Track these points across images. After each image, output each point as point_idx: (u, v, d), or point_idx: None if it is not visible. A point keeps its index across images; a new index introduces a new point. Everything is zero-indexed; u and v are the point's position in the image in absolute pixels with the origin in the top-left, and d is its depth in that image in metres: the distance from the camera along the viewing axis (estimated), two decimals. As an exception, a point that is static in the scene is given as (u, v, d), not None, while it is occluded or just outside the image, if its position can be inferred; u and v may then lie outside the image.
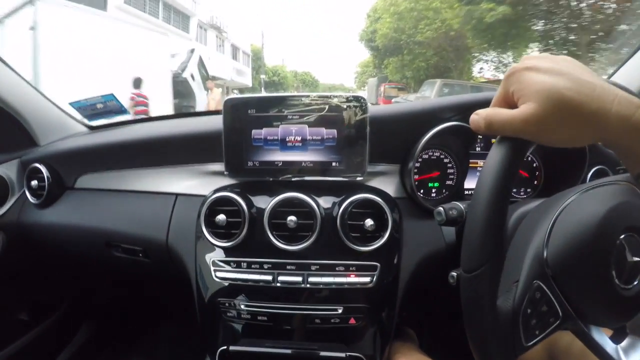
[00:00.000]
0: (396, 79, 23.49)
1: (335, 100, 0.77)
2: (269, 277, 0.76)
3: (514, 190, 0.93)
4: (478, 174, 0.92)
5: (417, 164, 0.88)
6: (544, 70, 0.39)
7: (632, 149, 0.38)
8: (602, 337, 0.44)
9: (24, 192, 1.08)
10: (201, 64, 10.63)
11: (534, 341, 0.43)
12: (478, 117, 0.45)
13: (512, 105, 0.43)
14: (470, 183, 0.90)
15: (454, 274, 0.55)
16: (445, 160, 0.91)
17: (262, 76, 29.78)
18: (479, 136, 0.90)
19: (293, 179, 0.80)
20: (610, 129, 0.37)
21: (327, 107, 0.77)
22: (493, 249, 0.44)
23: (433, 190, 0.91)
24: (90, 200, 1.01)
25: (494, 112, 0.43)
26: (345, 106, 0.77)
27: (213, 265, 0.79)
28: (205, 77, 10.66)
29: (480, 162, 0.93)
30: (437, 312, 1.13)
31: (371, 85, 23.10)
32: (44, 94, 1.18)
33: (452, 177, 0.91)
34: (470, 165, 0.89)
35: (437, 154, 0.90)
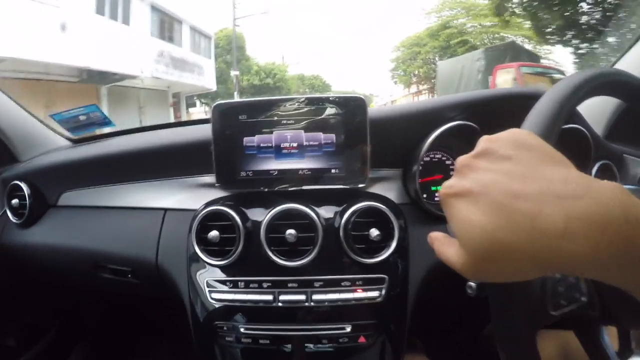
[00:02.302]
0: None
1: (332, 102, 0.67)
2: (270, 297, 0.66)
3: None
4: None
5: (421, 167, 0.78)
6: (475, 197, 0.29)
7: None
8: (608, 347, 0.42)
9: (5, 211, 0.95)
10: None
11: (559, 312, 0.39)
12: (430, 239, 0.38)
13: None
14: None
15: (473, 284, 0.49)
16: (447, 162, 0.81)
17: (235, 73, 18.34)
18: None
19: (290, 189, 0.70)
20: (574, 267, 0.25)
21: (324, 109, 0.67)
22: None
23: (436, 194, 0.81)
24: (74, 219, 0.89)
25: (442, 243, 0.35)
26: (343, 108, 0.67)
27: (207, 286, 0.68)
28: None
29: None
30: (446, 319, 1.03)
31: (452, 70, 12.06)
32: (24, 107, 1.06)
33: None
34: None
35: (438, 155, 0.80)
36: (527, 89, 0.75)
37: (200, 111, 20.57)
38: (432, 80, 20.30)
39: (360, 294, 0.66)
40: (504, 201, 0.27)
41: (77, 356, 1.19)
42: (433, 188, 0.81)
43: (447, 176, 0.81)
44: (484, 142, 0.33)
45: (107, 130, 1.09)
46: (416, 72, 23.29)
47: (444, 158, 0.81)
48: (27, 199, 0.91)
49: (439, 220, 0.75)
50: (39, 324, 1.13)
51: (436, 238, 0.37)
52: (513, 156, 0.30)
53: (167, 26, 13.54)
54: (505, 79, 8.56)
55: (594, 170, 0.80)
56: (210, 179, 0.76)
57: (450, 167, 0.81)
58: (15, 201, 0.93)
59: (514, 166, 0.29)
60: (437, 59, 20.77)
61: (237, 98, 11.33)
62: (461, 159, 0.34)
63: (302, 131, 0.67)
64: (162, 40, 13.15)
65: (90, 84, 10.37)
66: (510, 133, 0.32)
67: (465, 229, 0.29)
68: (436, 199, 0.81)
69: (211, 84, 16.99)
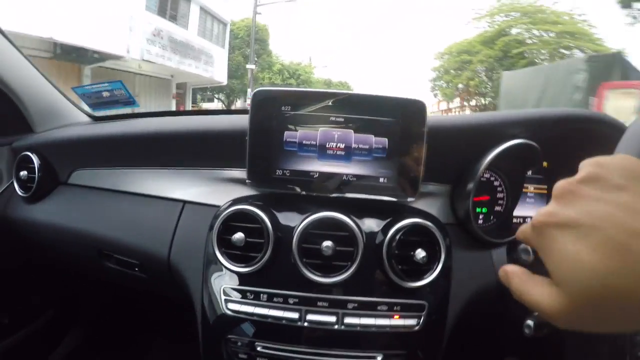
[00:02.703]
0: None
1: (389, 103, 0.59)
2: (295, 315, 0.57)
3: None
4: (528, 200, 0.75)
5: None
6: (584, 231, 0.25)
7: None
8: None
9: (13, 182, 0.89)
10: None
11: None
12: (505, 274, 0.32)
13: None
14: (519, 210, 0.73)
15: (531, 323, 0.44)
16: (496, 183, 0.73)
17: (250, 66, 15.50)
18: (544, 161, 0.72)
19: (331, 195, 0.61)
20: None
21: (378, 110, 0.59)
22: None
23: (480, 216, 0.72)
24: (84, 200, 0.82)
25: (525, 281, 0.30)
26: (401, 111, 0.59)
27: (224, 294, 0.60)
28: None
29: (531, 187, 0.75)
30: (484, 353, 0.94)
31: (526, 82, 9.22)
32: (47, 77, 0.99)
33: (501, 202, 0.73)
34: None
35: (487, 175, 0.72)
36: (604, 115, 0.67)
37: (214, 108, 18.50)
38: (485, 98, 17.59)
39: (397, 320, 0.58)
40: (622, 239, 0.23)
41: (69, 342, 1.11)
42: (478, 209, 0.73)
43: (494, 198, 0.73)
44: (592, 166, 0.28)
45: (130, 110, 1.02)
46: (463, 84, 18.28)
47: (492, 178, 0.73)
48: (36, 172, 0.85)
49: (484, 244, 0.67)
50: (35, 304, 1.06)
51: (515, 274, 0.31)
52: (629, 187, 0.25)
53: (169, 1, 10.71)
54: (621, 106, 5.58)
55: None
56: (240, 173, 0.68)
57: (498, 188, 0.73)
58: (24, 173, 0.86)
59: (631, 198, 0.24)
60: (489, 71, 17.19)
61: (250, 95, 10.22)
62: (562, 184, 0.28)
63: (352, 131, 0.59)
64: (161, 17, 10.31)
65: (73, 63, 8.78)
66: (623, 159, 0.27)
67: (568, 268, 0.25)
68: (480, 221, 0.73)
69: (221, 77, 14.10)
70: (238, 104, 21.42)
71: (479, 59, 17.05)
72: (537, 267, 0.32)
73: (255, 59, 19.23)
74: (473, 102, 18.32)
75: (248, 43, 18.43)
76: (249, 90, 14.59)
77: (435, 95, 21.06)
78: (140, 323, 1.23)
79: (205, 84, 14.86)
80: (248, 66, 15.77)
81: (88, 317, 1.15)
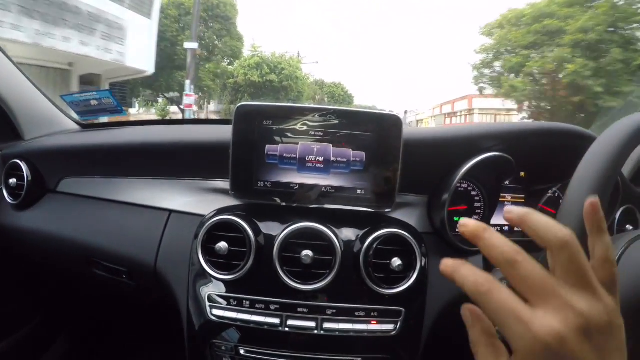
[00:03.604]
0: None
1: (366, 118, 0.61)
2: (276, 320, 0.59)
3: None
4: (505, 208, 0.77)
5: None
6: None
7: None
8: None
9: (2, 189, 0.88)
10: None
11: None
12: (467, 318, 0.28)
13: None
14: (497, 219, 0.75)
15: None
16: (473, 193, 0.75)
17: (192, 45, 9.82)
18: (519, 172, 0.74)
19: (310, 206, 0.63)
20: None
21: (356, 124, 0.61)
22: None
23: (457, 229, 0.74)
24: (72, 208, 0.82)
25: (484, 345, 0.26)
26: (377, 125, 0.61)
27: (209, 301, 0.62)
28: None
29: (508, 197, 0.78)
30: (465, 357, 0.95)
31: None
32: (36, 84, 0.99)
33: (479, 211, 0.75)
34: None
35: (464, 185, 0.74)
36: (571, 128, 0.69)
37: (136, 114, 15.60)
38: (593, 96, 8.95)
39: (374, 326, 0.60)
40: None
41: (58, 348, 1.11)
42: (456, 219, 0.75)
43: (472, 207, 0.75)
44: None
45: (119, 118, 1.02)
46: (545, 70, 10.45)
47: (470, 188, 0.75)
48: (25, 179, 0.84)
49: (461, 253, 0.69)
50: (23, 311, 1.06)
51: (478, 333, 0.27)
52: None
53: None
54: None
55: (617, 215, 0.74)
56: (224, 184, 0.69)
57: (476, 197, 0.75)
58: (12, 181, 0.86)
59: None
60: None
61: (189, 88, 9.03)
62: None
63: (331, 145, 0.61)
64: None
65: None
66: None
67: None
68: (457, 230, 0.75)
69: (143, 64, 8.56)
70: (211, 107, 18.75)
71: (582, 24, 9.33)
72: None
73: (216, 41, 15.30)
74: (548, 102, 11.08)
75: (206, 20, 14.38)
76: (187, 82, 9.42)
77: (482, 90, 13.90)
78: (128, 329, 1.23)
79: (126, 75, 9.01)
80: (187, 45, 10.28)
81: (76, 325, 1.15)
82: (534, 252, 0.59)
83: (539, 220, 0.26)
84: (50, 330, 1.10)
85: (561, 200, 0.80)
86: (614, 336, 0.23)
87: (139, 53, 8.32)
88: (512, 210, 0.27)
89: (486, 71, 13.05)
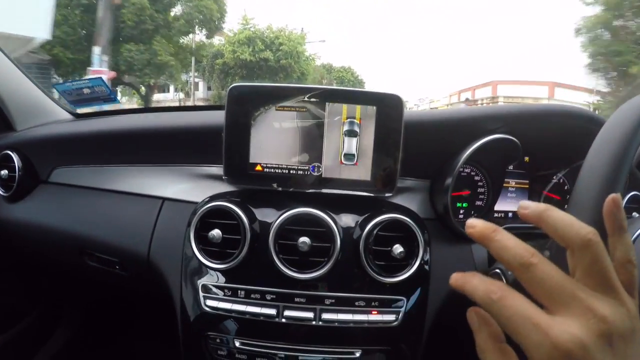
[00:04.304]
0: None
1: (365, 97, 0.58)
2: (273, 311, 0.56)
3: None
4: (510, 194, 0.74)
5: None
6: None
7: None
8: None
9: None
10: None
11: None
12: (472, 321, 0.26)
13: None
14: (500, 205, 0.72)
15: None
16: (477, 178, 0.72)
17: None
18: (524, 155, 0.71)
19: (307, 191, 0.60)
20: None
21: (355, 105, 0.57)
22: None
23: (461, 211, 0.71)
24: (64, 198, 0.80)
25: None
26: (377, 106, 0.57)
27: (203, 291, 0.59)
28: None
29: (512, 182, 0.74)
30: (464, 349, 0.93)
31: None
32: (27, 74, 0.96)
33: (482, 197, 0.72)
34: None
35: (467, 170, 0.71)
36: (580, 109, 0.66)
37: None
38: None
39: (375, 316, 0.57)
40: None
41: (56, 342, 1.09)
42: (458, 204, 0.72)
43: (475, 193, 0.72)
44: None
45: (111, 107, 0.99)
46: None
47: (473, 173, 0.72)
48: (17, 171, 0.82)
49: (465, 239, 0.66)
50: (20, 305, 1.03)
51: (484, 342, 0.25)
52: None
53: None
54: None
55: (624, 202, 0.71)
56: (218, 170, 0.66)
57: (479, 182, 0.72)
58: (4, 172, 0.83)
59: None
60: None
61: (98, 61, 6.11)
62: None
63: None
64: None
65: None
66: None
67: None
68: (461, 216, 0.72)
69: (32, 28, 6.23)
70: (199, 94, 15.86)
71: None
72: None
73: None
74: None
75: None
76: (95, 50, 6.57)
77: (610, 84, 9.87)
78: (124, 321, 1.21)
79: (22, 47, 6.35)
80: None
81: (73, 317, 1.13)
82: (541, 241, 0.57)
83: (559, 217, 0.24)
84: (48, 322, 1.08)
85: (566, 187, 0.78)
86: (636, 342, 0.21)
87: (24, 10, 5.84)
88: (528, 206, 0.25)
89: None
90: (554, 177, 0.75)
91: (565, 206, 0.75)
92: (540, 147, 0.69)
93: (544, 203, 0.25)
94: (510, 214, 0.75)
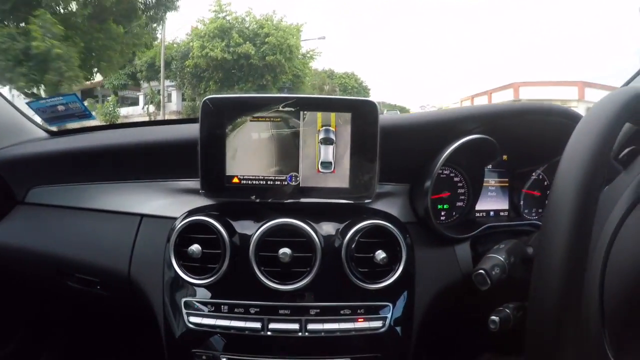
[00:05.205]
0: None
1: (339, 105, 0.57)
2: (257, 325, 0.55)
3: (525, 211, 0.75)
4: (490, 194, 0.74)
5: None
6: None
7: None
8: None
9: None
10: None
11: None
12: None
13: None
14: (481, 204, 0.72)
15: (495, 318, 0.45)
16: (456, 179, 0.72)
17: None
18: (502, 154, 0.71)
19: (285, 201, 0.59)
20: None
21: (329, 113, 0.57)
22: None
23: (442, 213, 0.71)
24: (41, 219, 0.77)
25: None
26: (352, 112, 0.57)
27: (185, 308, 0.58)
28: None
29: (492, 181, 0.75)
30: (450, 348, 0.93)
31: None
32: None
33: (462, 198, 0.72)
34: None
35: (446, 171, 0.71)
36: (558, 106, 0.66)
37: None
38: None
39: (361, 324, 0.56)
40: None
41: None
42: (439, 206, 0.71)
43: (455, 194, 0.72)
44: None
45: (87, 123, 0.97)
46: None
47: (452, 174, 0.72)
48: None
49: (447, 241, 0.65)
50: (2, 329, 0.99)
51: None
52: None
53: None
54: None
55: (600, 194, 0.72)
56: (196, 184, 0.65)
57: (459, 183, 0.72)
58: None
59: None
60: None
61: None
62: None
63: None
64: None
65: None
66: None
67: None
68: (442, 218, 0.72)
69: None
70: (172, 106, 12.94)
71: None
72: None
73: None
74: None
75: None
76: None
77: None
78: (108, 342, 1.18)
79: None
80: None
81: (57, 340, 1.09)
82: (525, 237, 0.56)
83: None
84: (33, 346, 1.05)
85: (545, 183, 0.78)
86: None
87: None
88: None
89: None
90: (533, 174, 0.75)
91: (546, 202, 0.76)
92: (517, 145, 0.69)
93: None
94: (491, 213, 0.75)
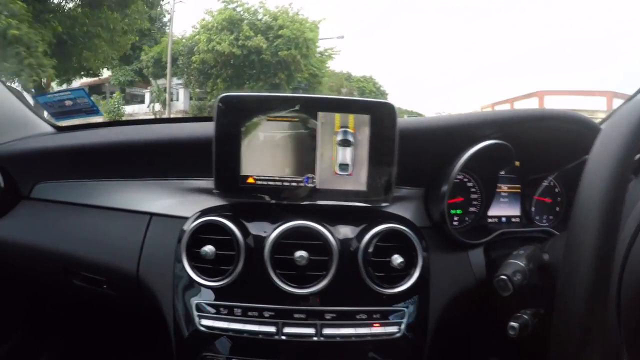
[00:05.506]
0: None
1: (357, 106, 0.56)
2: (272, 329, 0.54)
3: (536, 217, 0.75)
4: (502, 199, 0.74)
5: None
6: None
7: None
8: None
9: None
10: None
11: None
12: None
13: None
14: (493, 210, 0.71)
15: (515, 324, 0.45)
16: (469, 184, 0.71)
17: None
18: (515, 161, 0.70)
19: (301, 203, 0.58)
20: None
21: (347, 114, 0.56)
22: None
23: (455, 218, 0.71)
24: (47, 215, 0.76)
25: None
26: (370, 115, 0.56)
27: (197, 310, 0.56)
28: None
29: (504, 187, 0.74)
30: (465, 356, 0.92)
31: None
32: (6, 84, 0.91)
33: (475, 203, 0.71)
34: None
35: (460, 176, 0.70)
36: (575, 114, 0.65)
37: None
38: None
39: (377, 329, 0.55)
40: None
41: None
42: (453, 211, 0.71)
43: (468, 199, 0.71)
44: None
45: (95, 119, 0.95)
46: None
47: (465, 179, 0.71)
48: None
49: (461, 246, 0.65)
50: (3, 327, 0.98)
51: None
52: None
53: None
54: None
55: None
56: (207, 183, 0.63)
57: (472, 189, 0.71)
58: None
59: None
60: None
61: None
62: None
63: None
64: None
65: None
66: None
67: None
68: (455, 223, 0.71)
69: None
70: (179, 105, 12.22)
71: None
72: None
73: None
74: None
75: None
76: None
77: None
78: (112, 344, 1.16)
79: None
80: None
81: (57, 341, 1.07)
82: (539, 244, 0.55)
83: None
84: (33, 345, 1.03)
85: (557, 190, 0.77)
86: None
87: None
88: None
89: None
90: (545, 181, 0.75)
91: (557, 209, 0.76)
92: (531, 151, 0.68)
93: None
94: (503, 219, 0.74)
